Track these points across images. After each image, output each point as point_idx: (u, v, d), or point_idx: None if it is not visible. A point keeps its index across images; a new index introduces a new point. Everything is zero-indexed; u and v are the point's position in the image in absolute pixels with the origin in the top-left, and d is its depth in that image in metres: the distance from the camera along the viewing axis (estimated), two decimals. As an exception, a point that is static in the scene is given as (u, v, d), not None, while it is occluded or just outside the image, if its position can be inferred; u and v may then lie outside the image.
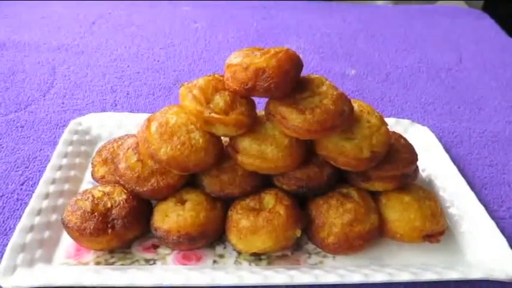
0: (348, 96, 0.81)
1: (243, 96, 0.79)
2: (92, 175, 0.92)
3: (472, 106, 1.37)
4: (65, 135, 1.03)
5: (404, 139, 0.92)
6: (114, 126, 1.09)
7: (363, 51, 1.64)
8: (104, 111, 1.22)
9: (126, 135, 0.98)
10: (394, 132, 0.93)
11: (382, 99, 1.38)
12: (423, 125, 1.19)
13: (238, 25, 1.73)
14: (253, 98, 0.82)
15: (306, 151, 0.84)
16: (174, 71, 1.44)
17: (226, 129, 0.77)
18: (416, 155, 0.90)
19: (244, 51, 0.78)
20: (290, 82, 0.75)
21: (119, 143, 0.94)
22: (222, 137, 0.84)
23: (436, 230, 0.85)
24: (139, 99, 1.28)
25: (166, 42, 1.59)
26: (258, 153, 0.79)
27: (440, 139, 1.17)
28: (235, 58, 0.77)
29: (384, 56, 1.63)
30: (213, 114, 0.75)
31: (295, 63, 0.76)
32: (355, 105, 0.84)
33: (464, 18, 1.91)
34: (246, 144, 0.80)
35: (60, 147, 0.99)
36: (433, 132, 1.17)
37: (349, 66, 1.55)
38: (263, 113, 0.83)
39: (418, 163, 0.92)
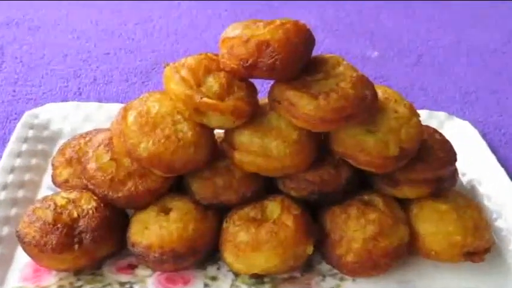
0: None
1: (242, 78, 0.81)
2: (53, 179, 0.93)
3: (524, 96, 1.40)
4: (18, 130, 1.05)
5: (440, 134, 0.94)
6: (79, 119, 1.11)
7: (387, 29, 1.67)
8: (66, 100, 1.24)
9: (95, 129, 0.99)
10: (427, 126, 0.94)
11: (411, 87, 1.41)
12: (463, 119, 1.22)
13: (232, -5, 1.75)
14: (255, 82, 0.84)
15: (319, 147, 0.86)
16: (153, 52, 1.46)
17: (221, 118, 0.79)
18: (454, 154, 0.92)
19: (243, 23, 0.80)
20: (299, 59, 0.77)
21: (87, 139, 0.95)
22: (215, 131, 0.86)
23: (480, 246, 0.86)
24: (110, 87, 1.31)
25: (142, 16, 1.61)
26: (260, 149, 0.81)
27: (484, 136, 1.20)
28: (232, 31, 0.79)
29: (413, 35, 1.65)
30: (205, 99, 0.76)
31: (305, 36, 0.78)
32: (379, 92, 0.86)
33: (513, -11, 1.95)
34: (245, 138, 0.82)
35: (11, 146, 1.01)
36: (475, 127, 1.19)
37: (371, 47, 1.58)
38: (266, 100, 0.85)
39: (457, 165, 0.94)
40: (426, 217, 0.87)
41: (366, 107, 0.79)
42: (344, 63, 0.82)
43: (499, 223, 0.96)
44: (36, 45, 1.43)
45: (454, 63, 1.53)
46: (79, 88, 1.29)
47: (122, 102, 1.17)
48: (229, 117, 0.78)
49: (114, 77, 1.34)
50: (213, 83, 0.79)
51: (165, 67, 0.82)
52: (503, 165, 1.08)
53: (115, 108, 1.04)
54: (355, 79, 0.79)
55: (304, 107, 0.77)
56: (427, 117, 1.17)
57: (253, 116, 0.82)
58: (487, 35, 1.68)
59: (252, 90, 0.83)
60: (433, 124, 1.11)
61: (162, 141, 0.78)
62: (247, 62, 0.75)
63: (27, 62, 1.36)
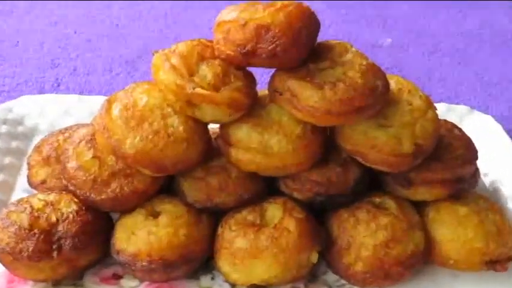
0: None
1: (239, 67, 0.81)
2: (29, 179, 0.94)
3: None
4: (-11, 125, 1.05)
5: (460, 130, 0.95)
6: (58, 113, 1.11)
7: (401, 13, 1.67)
8: (43, 93, 1.25)
9: (76, 125, 1.00)
10: (445, 121, 0.95)
11: (428, 78, 1.42)
12: (485, 113, 1.23)
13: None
14: (253, 71, 0.85)
15: (325, 144, 0.86)
16: (140, 39, 1.46)
17: (216, 111, 0.79)
18: (475, 151, 0.93)
19: (241, 5, 0.81)
20: (303, 46, 0.78)
21: (66, 135, 0.96)
22: (210, 125, 0.86)
23: (503, 254, 0.87)
24: (92, 77, 1.31)
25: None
26: (259, 146, 0.81)
27: (508, 132, 1.20)
28: (228, 13, 0.79)
29: (431, 20, 1.65)
30: (198, 90, 0.77)
31: (309, 20, 0.79)
32: (392, 82, 0.87)
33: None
34: (242, 133, 0.82)
35: (-18, 143, 1.01)
36: (499, 123, 1.20)
37: (383, 33, 1.58)
38: (266, 91, 0.86)
39: (479, 164, 0.95)
40: (444, 222, 0.88)
41: (377, 99, 0.80)
42: (353, 50, 0.83)
43: (525, 229, 0.96)
44: (9, 31, 1.44)
45: (476, 51, 1.54)
46: (57, 79, 1.30)
47: (105, 95, 1.17)
48: (224, 110, 0.79)
49: (96, 67, 1.34)
50: (206, 71, 0.79)
51: (153, 55, 0.82)
52: (530, 164, 1.08)
53: (98, 101, 1.04)
54: (364, 67, 0.80)
55: (308, 98, 0.78)
56: (446, 111, 1.17)
57: (252, 108, 0.83)
58: (513, 19, 1.69)
59: (250, 80, 0.83)
60: (452, 119, 1.10)
61: (151, 137, 0.78)
62: (244, 48, 0.76)
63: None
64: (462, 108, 1.22)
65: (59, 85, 1.28)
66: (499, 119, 1.24)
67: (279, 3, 0.78)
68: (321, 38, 0.83)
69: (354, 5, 1.69)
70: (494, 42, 1.58)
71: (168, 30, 1.49)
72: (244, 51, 0.76)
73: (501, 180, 1.06)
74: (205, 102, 0.78)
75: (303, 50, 0.78)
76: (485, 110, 1.28)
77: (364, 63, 0.81)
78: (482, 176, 1.04)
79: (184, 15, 1.55)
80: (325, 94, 0.77)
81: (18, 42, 1.41)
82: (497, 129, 1.17)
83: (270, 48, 0.75)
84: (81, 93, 1.25)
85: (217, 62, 0.80)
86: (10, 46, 1.39)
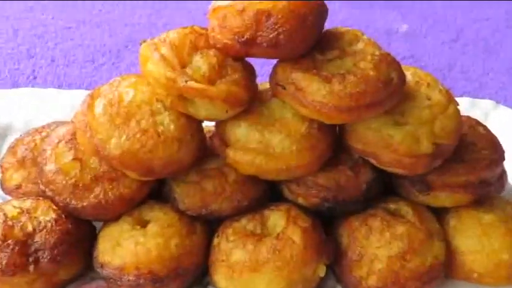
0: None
1: (237, 57, 0.81)
2: (2, 184, 0.95)
3: None
4: (-43, 123, 1.05)
5: (484, 127, 0.95)
6: (34, 109, 1.12)
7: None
8: (17, 86, 1.25)
9: (54, 122, 1.00)
10: (468, 118, 0.95)
11: (449, 69, 1.42)
12: (513, 109, 1.22)
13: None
14: (253, 62, 0.85)
15: (334, 144, 0.86)
16: (126, 26, 1.46)
17: (211, 107, 0.79)
18: (502, 151, 0.93)
19: (239, -12, 0.81)
20: (308, 34, 0.78)
21: (44, 134, 0.96)
22: (204, 123, 0.87)
23: (534, 266, 0.87)
24: (72, 69, 1.32)
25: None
26: (259, 146, 0.82)
27: (539, 130, 1.20)
28: (225, -1, 0.80)
29: (452, 4, 1.65)
30: (191, 83, 0.77)
31: (316, 5, 0.79)
32: (408, 74, 0.87)
33: None
34: (241, 132, 0.82)
35: (-51, 142, 1.01)
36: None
37: (399, 19, 1.58)
38: (267, 85, 0.86)
39: (506, 165, 0.95)
40: (466, 230, 0.88)
41: (391, 93, 0.80)
42: (364, 39, 0.83)
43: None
44: (-20, 17, 1.44)
45: (502, 40, 1.54)
46: (34, 71, 1.30)
47: (87, 89, 1.18)
48: (221, 106, 0.79)
49: (76, 57, 1.35)
50: (201, 63, 0.79)
51: (141, 44, 0.82)
52: None
53: (79, 95, 1.05)
54: (377, 58, 0.80)
55: (315, 92, 0.78)
56: (469, 106, 1.18)
57: (252, 104, 0.83)
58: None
59: (250, 73, 0.84)
60: (476, 115, 1.11)
61: (138, 136, 0.79)
62: (243, 36, 0.76)
63: (-31, 39, 1.37)
64: (487, 103, 1.22)
65: (35, 78, 1.29)
66: (529, 114, 1.24)
67: (281, -13, 0.78)
68: (328, 25, 0.83)
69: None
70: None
71: (157, 17, 1.49)
72: (242, 40, 0.76)
73: (531, 183, 1.06)
74: (199, 97, 0.78)
75: (309, 38, 0.78)
76: (513, 105, 1.28)
77: (377, 53, 0.81)
78: (510, 180, 1.03)
79: (175, 2, 1.55)
80: (334, 88, 0.77)
81: (-11, 30, 1.41)
82: (527, 126, 1.16)
83: (271, 36, 0.75)
84: (59, 86, 1.25)
85: (212, 52, 0.81)
86: (-20, 35, 1.39)
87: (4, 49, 1.35)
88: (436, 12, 1.63)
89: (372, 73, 0.78)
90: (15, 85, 1.25)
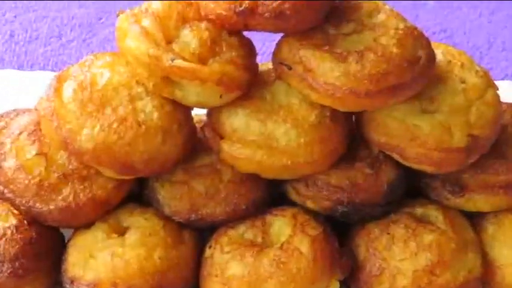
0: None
1: (234, 31, 0.81)
2: (-49, 184, 0.95)
3: None
4: None
5: (530, 117, 0.97)
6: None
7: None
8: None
9: (14, 110, 0.97)
10: (510, 105, 0.94)
11: (488, 47, 1.40)
12: None
13: None
14: (252, 38, 0.84)
15: (350, 137, 0.86)
16: (99, -5, 1.46)
17: (202, 90, 0.79)
18: (550, 147, 0.95)
19: None
20: (319, 2, 0.77)
21: (2, 124, 0.93)
22: (194, 112, 0.86)
23: None
24: (34, 46, 1.29)
25: None
26: (260, 138, 0.80)
27: None
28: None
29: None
30: (178, 62, 0.76)
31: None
32: (439, 53, 0.86)
33: None
34: (239, 121, 0.81)
35: None
36: None
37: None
38: (270, 66, 0.85)
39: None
40: (507, 240, 0.86)
41: (418, 74, 0.79)
42: (386, 10, 0.82)
43: None
44: None
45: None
46: (-11, 49, 1.31)
47: (53, 70, 1.16)
48: (214, 89, 0.78)
49: (40, 32, 1.31)
50: (190, 37, 0.78)
51: (118, 16, 0.81)
52: None
53: (43, 77, 1.03)
54: (402, 32, 0.79)
55: (327, 73, 0.76)
56: (508, 93, 1.13)
57: (251, 88, 0.82)
58: None
59: (248, 50, 0.83)
60: None
61: (115, 125, 0.77)
62: (241, 6, 0.75)
63: None
64: (532, 88, 1.23)
65: (-9, 57, 1.30)
66: None
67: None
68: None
69: None
70: None
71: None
72: (240, 9, 0.75)
73: None
74: (188, 79, 0.77)
75: (320, 7, 0.78)
76: None
77: (402, 26, 0.80)
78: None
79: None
80: (350, 68, 0.76)
81: None
82: None
83: (275, 4, 0.74)
84: (20, 67, 1.22)
85: (203, 25, 0.79)
86: None
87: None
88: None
89: (395, 50, 0.77)
90: (-33, 65, 1.27)
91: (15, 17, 1.34)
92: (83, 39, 1.30)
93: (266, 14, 0.74)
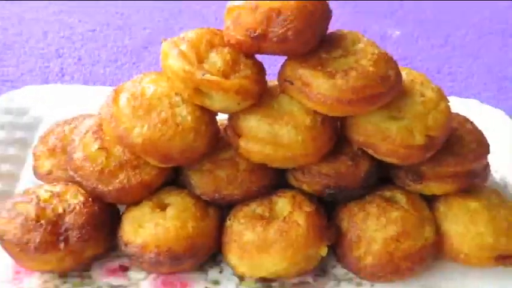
0: (393, 61, 0.84)
1: (249, 53, 0.81)
2: (34, 170, 0.94)
3: None
4: (-7, 115, 1.05)
5: (472, 123, 0.95)
6: (62, 103, 1.11)
7: (410, 5, 1.66)
8: (47, 83, 1.25)
9: (82, 115, 1.00)
10: (458, 114, 0.95)
11: (438, 71, 1.42)
12: (496, 108, 1.22)
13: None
14: (264, 63, 0.85)
15: (336, 136, 0.86)
16: (145, 29, 1.46)
17: (225, 99, 0.79)
18: (487, 146, 0.93)
19: (252, -10, 0.81)
20: (315, 31, 0.78)
21: (72, 125, 0.96)
22: (218, 118, 0.87)
23: (515, 249, 0.86)
24: (96, 68, 1.32)
25: (133, -11, 1.61)
26: (268, 136, 0.82)
27: (520, 127, 1.20)
28: (239, -1, 0.80)
29: (441, 12, 1.64)
30: (207, 76, 0.77)
31: (321, 5, 0.79)
32: (403, 74, 0.86)
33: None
34: (252, 123, 0.82)
35: (-14, 133, 1.01)
36: (510, 117, 1.19)
37: (393, 25, 1.57)
38: (275, 82, 0.86)
39: (489, 160, 0.95)
40: (455, 216, 0.88)
41: (389, 88, 0.80)
42: (364, 40, 0.83)
43: (536, 224, 0.96)
44: (13, 20, 1.43)
45: (486, 44, 1.53)
46: (62, 69, 1.30)
47: (110, 85, 1.17)
48: (234, 97, 0.79)
49: (101, 57, 1.35)
50: (216, 59, 0.79)
51: (162, 42, 0.82)
52: (542, 160, 1.07)
53: (103, 91, 1.04)
54: (377, 56, 0.80)
55: (320, 86, 0.77)
56: (456, 105, 1.14)
57: (262, 99, 0.83)
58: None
59: (260, 69, 0.83)
60: (463, 113, 1.07)
61: (159, 126, 0.79)
62: (255, 32, 0.76)
63: (3, 39, 1.37)
64: (472, 103, 1.21)
65: (63, 75, 1.28)
66: (509, 113, 1.23)
67: (289, -11, 0.78)
68: (331, 28, 0.83)
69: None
70: (505, 35, 1.57)
71: (173, 21, 1.49)
72: (254, 35, 0.76)
73: (511, 175, 1.06)
74: (215, 90, 0.78)
75: (315, 34, 0.78)
76: (496, 105, 1.26)
77: (376, 52, 0.81)
78: (493, 172, 1.03)
79: (191, 6, 1.55)
80: (337, 82, 0.77)
81: (22, 31, 1.41)
82: (508, 123, 1.16)
83: (281, 31, 0.75)
84: (85, 83, 1.25)
85: (226, 49, 0.80)
86: (14, 35, 1.39)
87: (35, 49, 1.35)
88: (425, 19, 1.62)
89: (371, 69, 0.78)
90: (45, 81, 1.25)
91: (82, 45, 1.37)
92: (132, 63, 1.33)
93: (274, 39, 0.75)
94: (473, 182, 0.90)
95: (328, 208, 0.89)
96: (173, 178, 0.89)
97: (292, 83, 0.81)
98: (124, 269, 0.85)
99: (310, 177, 0.86)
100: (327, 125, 0.83)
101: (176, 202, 0.85)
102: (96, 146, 0.85)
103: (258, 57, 0.84)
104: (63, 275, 0.83)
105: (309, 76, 0.78)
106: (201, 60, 0.79)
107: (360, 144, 0.85)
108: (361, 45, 0.82)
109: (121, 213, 0.88)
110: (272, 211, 0.85)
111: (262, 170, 0.86)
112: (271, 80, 0.88)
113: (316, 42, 0.79)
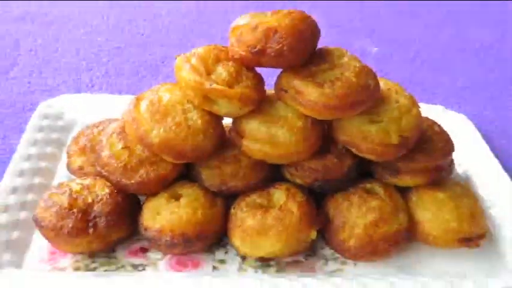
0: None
1: (250, 66, 0.81)
2: (68, 166, 0.93)
3: (517, 91, 1.39)
4: (33, 120, 1.04)
5: (439, 126, 0.94)
6: (92, 109, 1.10)
7: (386, 26, 1.67)
8: (79, 92, 1.24)
9: (108, 119, 0.99)
10: (427, 118, 0.95)
11: (409, 82, 1.39)
12: (459, 113, 1.21)
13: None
14: (263, 75, 0.84)
15: (324, 137, 0.86)
16: (162, 46, 1.45)
17: (229, 105, 0.79)
18: (452, 144, 0.92)
19: (252, 13, 0.81)
20: (306, 46, 0.78)
21: (100, 128, 0.95)
22: (224, 123, 0.86)
23: (476, 233, 0.86)
24: (121, 79, 1.31)
25: (151, 12, 1.60)
26: (266, 136, 0.81)
27: (479, 129, 1.19)
28: (241, 20, 0.79)
29: (411, 32, 1.65)
30: (214, 86, 0.77)
31: (311, 25, 0.79)
32: (381, 83, 0.86)
33: (508, -12, 1.94)
34: (253, 126, 0.82)
35: (28, 135, 1.00)
36: (470, 121, 1.19)
37: (371, 43, 1.57)
38: (272, 91, 0.85)
39: (453, 157, 0.94)
40: (425, 205, 0.87)
41: (369, 95, 0.79)
42: (348, 55, 0.83)
43: (493, 211, 0.96)
44: (50, 39, 1.43)
45: (450, 59, 1.53)
46: (91, 80, 1.29)
47: (132, 94, 1.15)
48: (236, 104, 0.78)
49: (124, 70, 1.34)
50: (222, 71, 0.79)
51: (176, 58, 0.82)
52: (496, 156, 1.08)
53: (126, 99, 1.00)
54: (358, 69, 0.80)
55: (310, 94, 0.77)
56: (425, 110, 1.14)
57: (261, 105, 0.82)
58: (482, 32, 1.67)
59: (259, 80, 0.83)
60: (431, 117, 1.06)
61: (173, 128, 0.78)
62: (255, 47, 0.75)
63: (42, 55, 1.36)
64: (438, 108, 1.20)
65: (92, 86, 1.28)
66: (471, 117, 1.23)
67: (285, 11, 0.79)
68: (319, 46, 0.83)
69: (346, 17, 1.69)
70: (466, 51, 1.58)
71: (185, 40, 1.49)
72: (255, 50, 0.76)
73: (473, 170, 1.06)
74: (221, 97, 0.77)
75: (306, 49, 0.78)
76: (459, 110, 1.26)
77: (358, 65, 0.81)
78: (456, 166, 1.02)
79: (201, 27, 1.55)
80: (325, 91, 0.77)
81: (58, 48, 1.40)
82: (469, 126, 1.16)
83: (277, 47, 0.75)
84: (111, 93, 1.25)
85: (231, 63, 0.80)
86: (51, 52, 1.38)
87: (69, 64, 1.35)
88: (399, 38, 1.63)
89: (354, 80, 0.78)
90: (77, 91, 1.25)
91: (108, 61, 1.36)
92: (151, 75, 1.32)
93: (271, 54, 0.75)
94: (441, 175, 0.90)
95: (317, 198, 0.89)
96: (185, 173, 0.88)
97: (286, 92, 0.80)
98: (144, 250, 0.85)
99: (302, 172, 0.86)
100: (315, 127, 0.83)
101: (188, 193, 0.85)
102: (120, 145, 0.85)
103: (258, 69, 0.83)
104: (92, 255, 0.82)
105: (301, 85, 0.78)
106: (209, 72, 0.78)
107: (344, 143, 0.85)
108: (345, 59, 0.81)
109: (141, 203, 0.87)
110: (270, 201, 0.85)
111: (262, 165, 0.86)
112: (269, 89, 0.87)
113: (307, 57, 0.79)
